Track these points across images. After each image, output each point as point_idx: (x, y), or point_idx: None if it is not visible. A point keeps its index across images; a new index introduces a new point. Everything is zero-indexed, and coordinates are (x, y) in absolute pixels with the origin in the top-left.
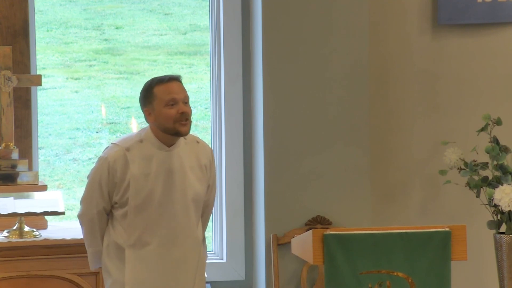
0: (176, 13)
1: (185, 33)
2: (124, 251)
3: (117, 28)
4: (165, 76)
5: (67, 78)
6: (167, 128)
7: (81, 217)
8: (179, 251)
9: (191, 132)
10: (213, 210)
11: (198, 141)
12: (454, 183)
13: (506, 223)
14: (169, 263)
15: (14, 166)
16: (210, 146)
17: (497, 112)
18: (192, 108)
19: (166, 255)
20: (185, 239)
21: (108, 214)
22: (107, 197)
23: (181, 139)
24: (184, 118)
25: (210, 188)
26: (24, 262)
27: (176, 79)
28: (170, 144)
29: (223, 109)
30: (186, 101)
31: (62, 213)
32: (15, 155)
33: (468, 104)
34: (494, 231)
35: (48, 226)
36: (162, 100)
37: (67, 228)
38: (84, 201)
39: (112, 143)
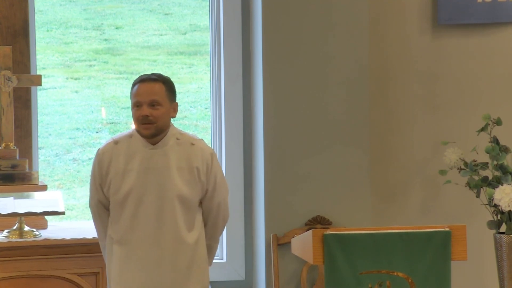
0: (176, 13)
1: (185, 33)
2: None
3: (117, 28)
4: (142, 75)
5: (67, 78)
6: (137, 128)
7: (89, 208)
8: (159, 251)
9: (192, 132)
10: None
11: (193, 143)
12: (454, 183)
13: (506, 223)
14: (150, 263)
15: (14, 166)
16: (211, 147)
17: (497, 112)
18: (192, 108)
19: (147, 254)
20: (166, 240)
21: (108, 208)
22: (100, 190)
23: (173, 138)
24: (146, 121)
25: (210, 193)
26: (24, 262)
27: (152, 80)
28: (154, 142)
29: (223, 109)
30: (153, 104)
31: (62, 213)
32: (15, 155)
33: (468, 104)
34: (494, 231)
35: (48, 226)
36: (132, 101)
37: (67, 228)
38: (89, 193)
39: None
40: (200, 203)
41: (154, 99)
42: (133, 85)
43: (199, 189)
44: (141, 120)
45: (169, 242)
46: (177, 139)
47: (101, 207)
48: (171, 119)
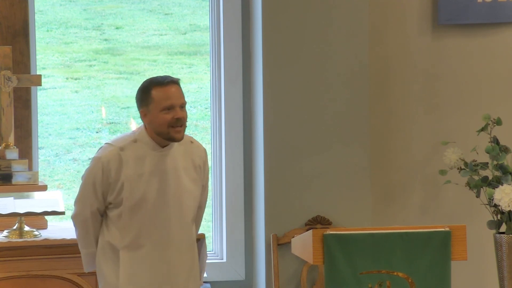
0: (176, 13)
1: (185, 33)
2: (118, 252)
3: (117, 28)
4: (164, 78)
5: (67, 78)
6: (161, 132)
7: (74, 218)
8: (173, 253)
9: (191, 132)
10: (213, 210)
11: (192, 141)
12: (454, 183)
13: (506, 223)
14: (163, 265)
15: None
16: (209, 145)
17: (497, 112)
18: (192, 108)
19: (161, 257)
20: (180, 241)
21: (102, 215)
22: (101, 197)
23: None
24: (180, 124)
25: (204, 188)
26: (24, 262)
27: (175, 82)
28: (163, 145)
29: (223, 109)
30: (183, 106)
31: (62, 213)
32: (15, 155)
33: (468, 104)
34: (494, 231)
35: (48, 226)
36: (160, 104)
37: (67, 228)
38: (78, 202)
39: (106, 143)
40: None
41: (184, 101)
42: (154, 87)
43: (200, 186)
44: (174, 123)
45: (182, 244)
46: None
47: (98, 214)
48: None
